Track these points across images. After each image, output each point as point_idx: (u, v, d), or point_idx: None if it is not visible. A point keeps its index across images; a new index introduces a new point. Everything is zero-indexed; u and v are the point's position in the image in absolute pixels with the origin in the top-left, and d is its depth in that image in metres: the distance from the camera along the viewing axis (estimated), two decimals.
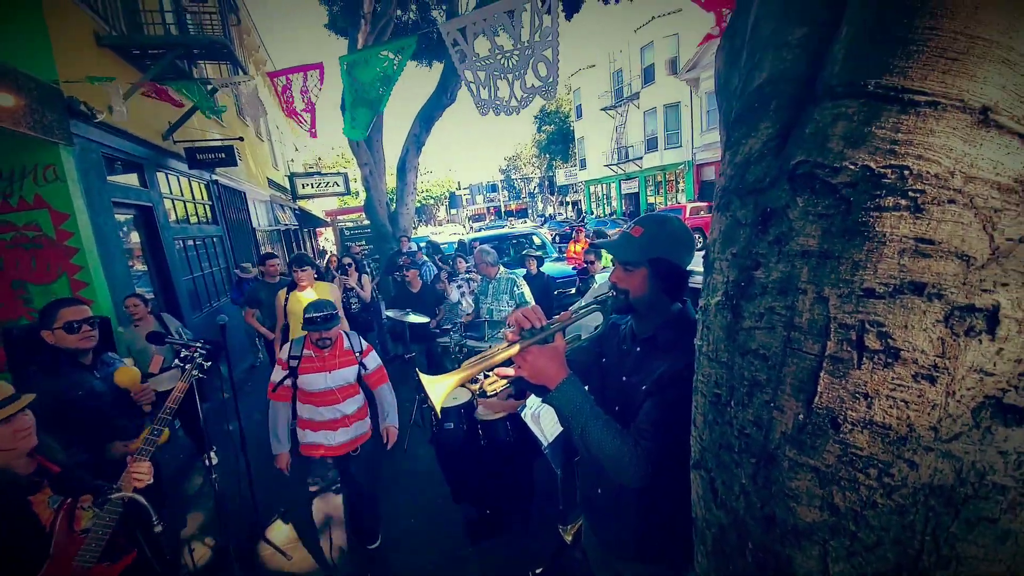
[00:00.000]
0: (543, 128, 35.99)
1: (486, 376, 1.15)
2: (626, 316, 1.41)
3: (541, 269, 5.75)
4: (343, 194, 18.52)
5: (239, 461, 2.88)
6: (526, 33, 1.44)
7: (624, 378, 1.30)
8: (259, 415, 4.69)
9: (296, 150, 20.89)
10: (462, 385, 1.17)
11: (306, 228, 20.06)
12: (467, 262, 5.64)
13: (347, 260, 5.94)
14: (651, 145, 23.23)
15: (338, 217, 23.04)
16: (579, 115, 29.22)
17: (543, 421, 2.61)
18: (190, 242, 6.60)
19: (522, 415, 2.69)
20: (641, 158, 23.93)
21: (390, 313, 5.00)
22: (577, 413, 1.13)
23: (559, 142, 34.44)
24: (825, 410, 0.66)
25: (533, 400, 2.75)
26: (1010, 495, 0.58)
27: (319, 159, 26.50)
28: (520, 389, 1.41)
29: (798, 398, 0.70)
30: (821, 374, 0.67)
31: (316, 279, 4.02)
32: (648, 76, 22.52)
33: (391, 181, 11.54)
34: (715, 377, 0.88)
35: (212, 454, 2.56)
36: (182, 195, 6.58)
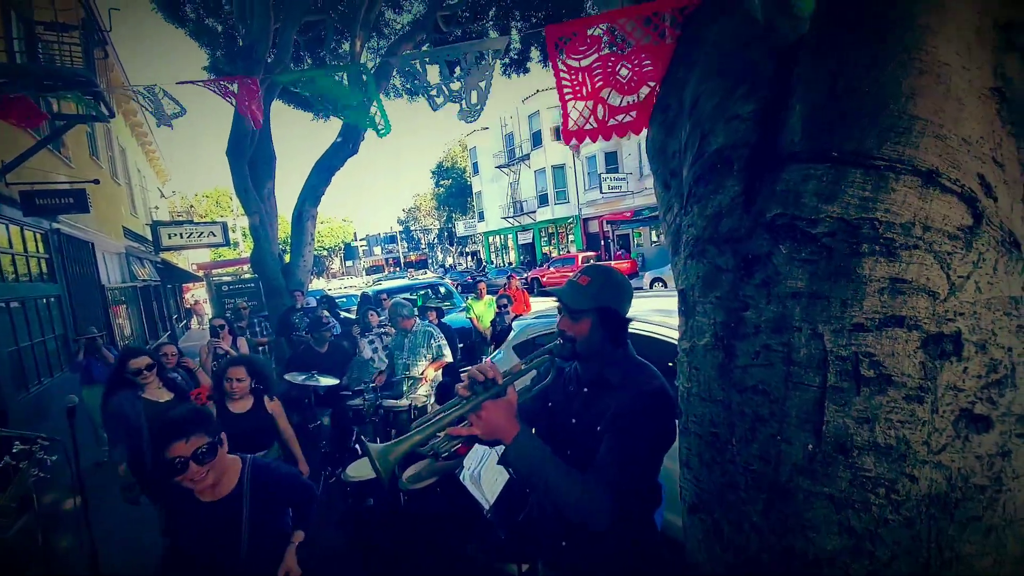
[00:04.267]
0: (441, 183, 36.88)
1: (437, 438, 1.07)
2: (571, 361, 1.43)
3: (444, 320, 5.67)
4: (221, 245, 16.70)
5: None
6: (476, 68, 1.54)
7: (573, 420, 1.30)
8: (115, 525, 3.75)
9: (162, 196, 18.53)
10: (417, 452, 1.08)
11: (171, 284, 17.53)
12: (379, 315, 5.35)
13: (218, 322, 5.22)
14: (543, 200, 25.04)
15: (212, 271, 20.56)
16: (476, 171, 30.61)
17: (484, 482, 2.47)
18: (16, 304, 5.31)
19: (460, 477, 2.52)
20: (535, 211, 25.58)
21: (289, 378, 4.46)
22: (538, 468, 1.09)
23: (457, 195, 35.47)
24: (833, 438, 0.72)
25: (471, 460, 2.60)
26: (988, 493, 0.67)
27: (191, 207, 23.73)
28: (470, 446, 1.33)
29: (805, 429, 0.75)
30: (826, 404, 0.73)
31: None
32: (536, 140, 24.63)
33: (281, 232, 10.73)
34: (710, 416, 0.91)
35: None
36: (10, 247, 5.34)
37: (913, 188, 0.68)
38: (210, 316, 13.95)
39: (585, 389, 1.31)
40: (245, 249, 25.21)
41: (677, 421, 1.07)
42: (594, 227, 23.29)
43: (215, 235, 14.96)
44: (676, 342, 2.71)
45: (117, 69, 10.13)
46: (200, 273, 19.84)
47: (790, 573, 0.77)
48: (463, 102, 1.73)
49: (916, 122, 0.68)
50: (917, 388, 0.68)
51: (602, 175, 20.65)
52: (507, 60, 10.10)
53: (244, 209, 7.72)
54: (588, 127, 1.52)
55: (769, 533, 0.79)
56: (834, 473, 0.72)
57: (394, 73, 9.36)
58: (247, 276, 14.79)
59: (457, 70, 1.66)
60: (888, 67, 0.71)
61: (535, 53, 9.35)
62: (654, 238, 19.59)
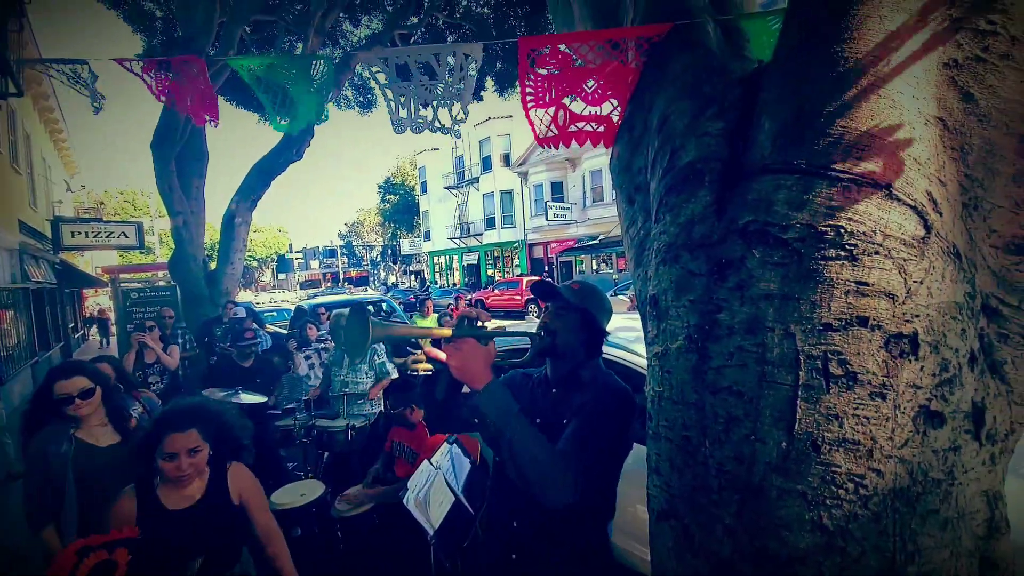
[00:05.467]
0: (387, 198, 36.16)
1: (411, 353, 1.09)
2: (538, 368, 1.45)
3: None
4: (133, 248, 15.11)
5: None
6: (448, 76, 1.53)
7: (538, 420, 1.31)
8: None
9: (69, 190, 16.58)
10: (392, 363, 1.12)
11: (69, 288, 15.54)
12: (318, 329, 5.03)
13: (149, 323, 4.72)
14: (490, 223, 25.27)
15: (120, 276, 18.47)
16: (424, 190, 30.42)
17: (431, 506, 2.34)
18: None
19: (404, 500, 2.37)
20: (481, 234, 25.72)
21: (207, 394, 4.04)
22: (505, 419, 1.09)
23: (404, 212, 34.86)
24: (805, 435, 0.74)
25: (415, 482, 2.45)
26: (943, 487, 0.71)
27: (101, 204, 21.36)
28: (440, 393, 1.32)
29: (779, 427, 0.76)
30: (798, 402, 0.75)
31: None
32: (486, 165, 25.01)
33: (208, 238, 9.95)
34: (682, 420, 0.91)
35: None
36: None
37: (873, 199, 0.74)
38: (113, 323, 12.47)
39: (554, 390, 1.34)
40: (162, 255, 22.99)
41: (647, 427, 1.07)
42: (538, 252, 23.81)
43: (127, 236, 13.57)
44: (612, 358, 2.75)
45: (32, 45, 9.07)
46: (105, 277, 17.78)
47: (763, 575, 0.77)
48: (449, 110, 1.69)
49: (875, 141, 0.75)
50: (880, 385, 0.71)
51: (548, 203, 21.28)
52: (462, 85, 10.23)
53: (166, 209, 7.08)
54: (550, 134, 1.56)
55: (742, 534, 0.79)
56: (806, 470, 0.73)
57: (346, 85, 9.17)
58: (162, 283, 13.43)
59: (447, 76, 1.64)
60: (850, 91, 0.78)
61: (489, 82, 9.58)
62: (595, 266, 20.33)
